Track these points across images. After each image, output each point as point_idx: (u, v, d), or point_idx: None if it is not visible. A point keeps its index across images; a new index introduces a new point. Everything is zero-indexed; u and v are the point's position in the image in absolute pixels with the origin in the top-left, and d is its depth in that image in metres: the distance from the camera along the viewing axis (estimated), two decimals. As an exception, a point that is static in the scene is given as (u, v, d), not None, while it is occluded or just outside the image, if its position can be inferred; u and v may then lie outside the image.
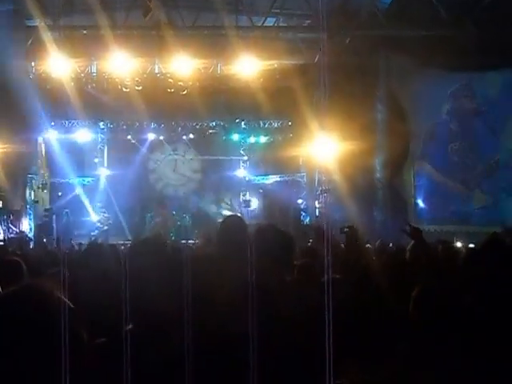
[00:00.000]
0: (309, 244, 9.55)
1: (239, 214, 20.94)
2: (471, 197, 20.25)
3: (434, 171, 20.86)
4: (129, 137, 22.63)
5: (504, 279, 3.67)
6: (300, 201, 22.47)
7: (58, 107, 19.88)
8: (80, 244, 15.24)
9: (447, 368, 3.11)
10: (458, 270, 4.73)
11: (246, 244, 3.34)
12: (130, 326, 3.00)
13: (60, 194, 21.67)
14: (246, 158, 23.04)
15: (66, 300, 2.06)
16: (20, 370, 1.99)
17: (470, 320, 3.37)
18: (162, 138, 23.02)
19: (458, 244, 11.40)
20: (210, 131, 22.95)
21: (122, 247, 10.52)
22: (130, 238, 19.32)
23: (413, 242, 5.81)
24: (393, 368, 3.24)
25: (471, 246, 12.49)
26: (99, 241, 18.20)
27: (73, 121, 21.83)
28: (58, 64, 18.55)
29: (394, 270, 4.64)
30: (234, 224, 4.54)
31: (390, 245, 10.30)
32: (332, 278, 2.79)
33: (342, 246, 6.00)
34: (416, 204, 21.05)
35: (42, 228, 19.62)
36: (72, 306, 2.07)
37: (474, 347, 3.18)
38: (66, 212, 20.78)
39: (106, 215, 21.59)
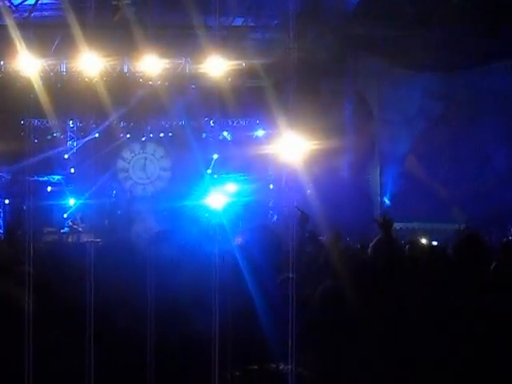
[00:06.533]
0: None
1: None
2: (436, 195, 20.58)
3: (403, 170, 21.16)
4: (97, 135, 22.59)
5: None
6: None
7: (27, 105, 19.79)
8: (47, 241, 15.24)
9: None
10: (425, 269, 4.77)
11: None
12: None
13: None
14: (215, 156, 23.10)
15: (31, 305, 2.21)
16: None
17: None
18: (130, 136, 23.03)
19: (423, 241, 11.64)
20: (180, 130, 22.99)
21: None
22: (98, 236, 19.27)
23: (378, 236, 5.98)
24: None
25: (434, 243, 12.75)
26: (69, 239, 18.28)
27: (42, 119, 21.75)
28: (27, 63, 18.52)
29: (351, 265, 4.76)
30: None
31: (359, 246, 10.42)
32: (288, 277, 2.96)
33: None
34: (382, 202, 21.32)
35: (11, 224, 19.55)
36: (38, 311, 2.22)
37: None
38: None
39: (78, 217, 21.46)
